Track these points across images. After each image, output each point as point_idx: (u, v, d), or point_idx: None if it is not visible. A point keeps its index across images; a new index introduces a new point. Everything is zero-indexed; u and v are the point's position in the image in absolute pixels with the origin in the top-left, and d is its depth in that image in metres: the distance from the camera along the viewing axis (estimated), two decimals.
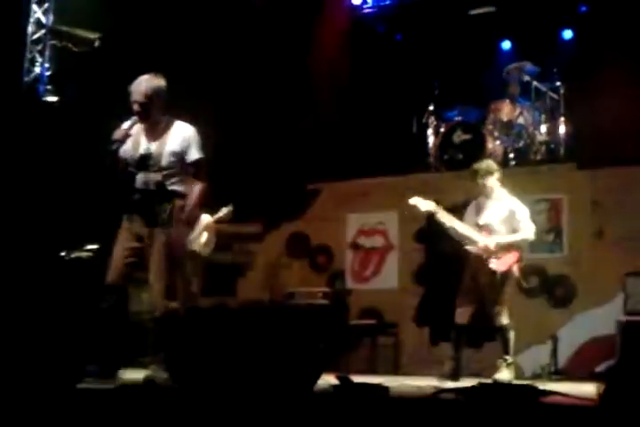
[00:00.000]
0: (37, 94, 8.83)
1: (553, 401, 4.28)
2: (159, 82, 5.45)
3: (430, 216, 7.15)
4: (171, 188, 5.40)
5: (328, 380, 4.74)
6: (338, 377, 4.79)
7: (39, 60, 9.20)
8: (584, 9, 9.93)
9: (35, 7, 9.28)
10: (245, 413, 3.60)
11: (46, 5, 9.31)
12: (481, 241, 6.92)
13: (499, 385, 5.59)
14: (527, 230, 6.97)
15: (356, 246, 9.30)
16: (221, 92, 9.97)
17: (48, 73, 9.16)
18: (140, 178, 5.41)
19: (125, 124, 5.38)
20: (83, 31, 9.17)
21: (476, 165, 7.16)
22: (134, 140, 5.44)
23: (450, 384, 5.97)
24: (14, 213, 7.23)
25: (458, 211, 7.33)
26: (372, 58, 10.59)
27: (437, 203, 7.14)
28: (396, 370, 8.31)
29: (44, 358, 4.49)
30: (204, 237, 7.86)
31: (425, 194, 7.59)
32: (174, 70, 9.61)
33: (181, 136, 5.46)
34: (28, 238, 7.04)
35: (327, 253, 9.40)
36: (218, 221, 7.82)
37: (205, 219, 7.88)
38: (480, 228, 6.99)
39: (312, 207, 9.64)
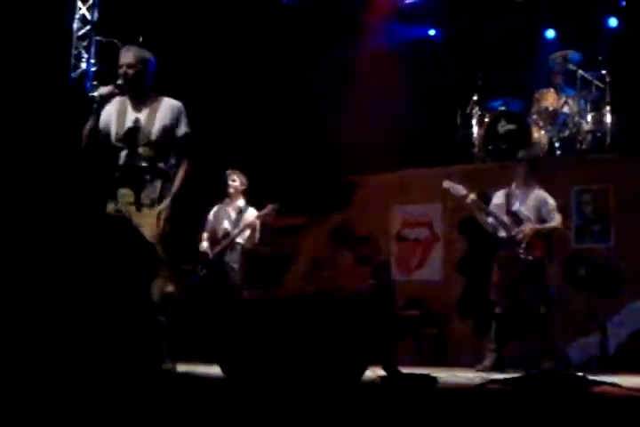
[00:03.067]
0: (84, 90, 8.93)
1: (602, 392, 4.25)
2: (146, 52, 5.19)
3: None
4: (159, 164, 5.09)
5: (375, 371, 4.76)
6: (385, 368, 4.80)
7: (85, 56, 9.31)
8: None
9: (79, 3, 9.38)
10: (293, 404, 3.63)
11: (91, 1, 9.41)
12: (514, 228, 6.92)
13: (547, 376, 5.56)
14: (556, 220, 6.97)
15: (400, 238, 9.29)
16: (263, 89, 10.01)
17: (94, 69, 9.27)
18: (126, 154, 5.09)
19: (111, 86, 5.06)
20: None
21: (523, 153, 7.20)
22: (120, 111, 5.13)
23: (497, 375, 5.96)
24: (59, 207, 7.26)
25: None
26: (415, 49, 10.56)
27: (482, 193, 7.16)
28: (441, 361, 8.30)
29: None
30: (249, 231, 7.94)
31: (469, 185, 7.59)
32: (214, 65, 9.74)
33: (171, 110, 5.15)
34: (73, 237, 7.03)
35: (372, 245, 9.40)
36: (263, 217, 7.90)
37: (251, 213, 7.95)
38: (512, 215, 7.01)
39: (356, 199, 9.65)
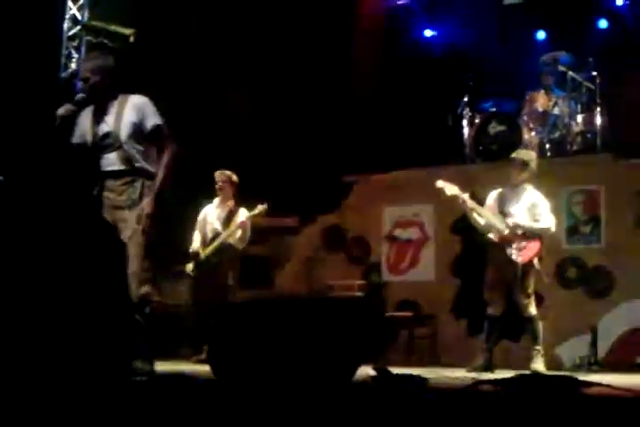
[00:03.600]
0: (74, 90, 8.91)
1: (593, 392, 4.25)
2: (106, 59, 5.20)
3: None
4: (137, 164, 5.08)
5: (366, 371, 4.76)
6: (376, 369, 4.80)
7: (75, 55, 9.29)
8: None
9: (70, 4, 9.37)
10: (284, 405, 3.62)
11: (81, 2, 9.40)
12: (503, 229, 6.94)
13: (538, 376, 5.57)
14: (548, 221, 7.00)
15: (392, 239, 9.29)
16: (259, 86, 10.01)
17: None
18: (105, 160, 5.09)
19: (69, 105, 5.10)
20: (117, 27, 9.24)
21: (515, 154, 7.21)
22: (92, 121, 5.14)
23: (488, 376, 5.97)
24: (51, 205, 7.19)
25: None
26: (406, 50, 10.58)
27: (473, 193, 7.17)
28: (433, 362, 8.30)
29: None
30: (240, 232, 7.93)
31: (461, 185, 7.59)
32: (209, 64, 9.74)
33: (134, 106, 5.12)
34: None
35: (363, 246, 9.41)
36: (253, 218, 7.90)
37: (242, 214, 7.95)
38: (503, 215, 7.02)
39: (348, 200, 9.65)
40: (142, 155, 5.11)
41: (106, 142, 5.07)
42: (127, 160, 5.07)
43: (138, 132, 5.09)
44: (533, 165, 7.12)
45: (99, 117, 5.14)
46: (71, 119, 5.10)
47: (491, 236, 7.06)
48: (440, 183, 7.15)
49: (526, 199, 7.07)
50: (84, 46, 9.31)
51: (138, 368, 4.82)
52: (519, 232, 6.94)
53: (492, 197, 7.21)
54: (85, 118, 5.19)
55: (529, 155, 7.23)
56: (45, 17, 8.83)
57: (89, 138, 5.13)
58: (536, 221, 7.02)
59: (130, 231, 5.00)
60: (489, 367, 6.85)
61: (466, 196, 7.08)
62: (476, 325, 7.83)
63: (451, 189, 7.09)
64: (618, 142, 8.76)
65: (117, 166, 5.07)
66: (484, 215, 7.08)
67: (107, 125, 5.09)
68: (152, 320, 5.07)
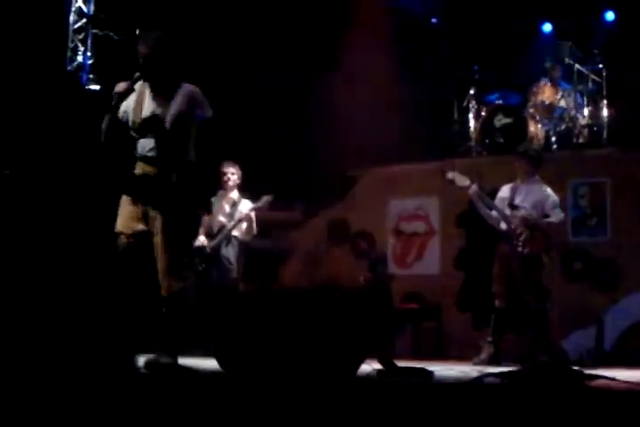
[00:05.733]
0: (80, 83, 8.92)
1: (598, 385, 4.26)
2: (166, 37, 5.01)
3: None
4: (175, 155, 4.92)
5: (372, 364, 4.76)
6: (381, 361, 4.81)
7: (81, 48, 9.29)
8: None
9: None
10: (290, 397, 3.63)
11: None
12: (512, 221, 6.94)
13: (543, 369, 5.56)
14: (557, 217, 7.01)
15: (397, 232, 9.30)
16: (260, 79, 9.99)
17: (90, 62, 9.25)
18: (143, 143, 4.94)
19: (125, 82, 4.92)
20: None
21: (518, 148, 7.22)
22: (138, 100, 4.97)
23: (494, 369, 5.97)
24: (53, 200, 7.21)
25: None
26: (412, 42, 10.54)
27: (480, 187, 7.17)
28: (439, 355, 8.31)
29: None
30: (245, 224, 7.93)
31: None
32: (213, 58, 9.73)
33: (188, 95, 4.97)
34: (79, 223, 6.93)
35: (368, 239, 9.41)
36: (257, 210, 7.89)
37: (246, 206, 7.94)
38: (512, 208, 7.03)
39: (352, 193, 9.65)
40: (183, 143, 4.98)
41: (150, 126, 4.91)
42: (167, 148, 4.91)
43: (186, 122, 4.96)
44: (536, 158, 7.15)
45: (148, 99, 4.97)
46: (125, 97, 4.92)
47: (500, 228, 7.07)
48: (450, 174, 7.14)
49: (537, 193, 7.07)
50: (89, 39, 9.31)
51: (160, 361, 4.83)
52: (527, 225, 6.94)
53: (505, 189, 7.22)
54: (131, 96, 4.99)
55: (538, 149, 7.26)
56: (51, 10, 8.82)
57: (131, 117, 4.96)
58: (546, 215, 7.03)
59: (160, 223, 4.88)
60: (495, 360, 6.85)
61: (475, 186, 7.07)
62: (482, 317, 7.84)
63: (462, 180, 7.09)
64: (624, 135, 8.75)
65: (155, 152, 4.91)
66: (493, 208, 7.08)
67: (155, 109, 4.93)
68: (183, 316, 4.99)
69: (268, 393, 3.74)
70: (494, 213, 7.09)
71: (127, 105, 4.99)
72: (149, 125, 4.91)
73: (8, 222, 6.24)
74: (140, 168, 4.96)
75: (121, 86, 4.89)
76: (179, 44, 5.21)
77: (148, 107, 4.95)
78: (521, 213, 7.00)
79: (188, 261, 7.99)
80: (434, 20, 10.94)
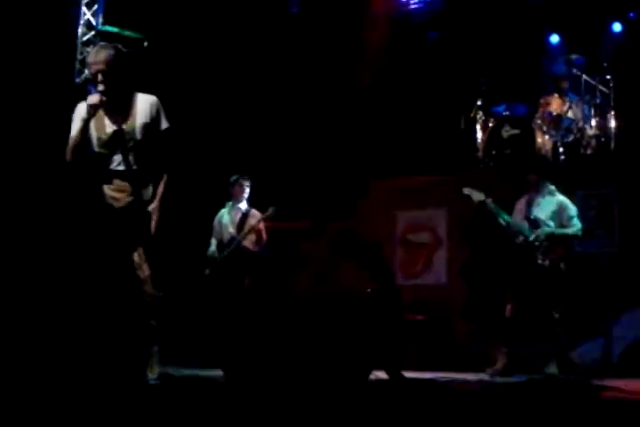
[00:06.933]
0: (89, 95, 8.94)
1: (607, 397, 4.25)
2: (118, 51, 4.94)
3: (480, 210, 7.20)
4: (147, 165, 4.92)
5: (379, 375, 4.76)
6: (389, 373, 4.81)
7: None
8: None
9: (84, 9, 9.41)
10: (298, 404, 3.63)
11: (95, 7, 9.44)
12: (531, 234, 6.95)
13: (551, 381, 5.56)
14: (576, 228, 7.02)
15: (405, 243, 9.30)
16: (272, 91, 10.04)
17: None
18: (117, 158, 4.89)
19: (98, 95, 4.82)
20: (131, 32, 9.27)
21: (527, 163, 7.26)
22: (98, 117, 4.88)
23: (501, 380, 5.97)
24: (62, 205, 7.20)
25: (505, 206, 7.33)
26: (420, 54, 10.57)
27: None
28: (445, 366, 8.29)
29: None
30: (254, 235, 7.96)
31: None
32: (221, 70, 9.77)
33: (149, 105, 4.94)
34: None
35: (377, 250, 9.40)
36: (264, 220, 7.92)
37: (254, 216, 7.97)
38: (530, 222, 7.04)
39: (361, 204, 9.66)
40: (150, 155, 4.96)
41: (119, 140, 4.88)
42: (140, 159, 4.91)
43: (151, 132, 4.94)
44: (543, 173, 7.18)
45: (107, 113, 4.92)
46: (98, 109, 4.86)
47: (517, 240, 7.08)
48: (467, 190, 7.20)
49: (553, 205, 7.10)
50: None
51: (152, 371, 4.84)
52: (545, 238, 6.95)
53: (521, 202, 7.25)
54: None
55: (545, 160, 7.28)
56: (60, 22, 8.87)
57: (94, 134, 4.91)
58: (563, 226, 7.04)
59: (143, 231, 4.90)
60: (509, 371, 6.85)
61: (490, 200, 7.11)
62: (488, 328, 7.83)
63: (477, 195, 7.14)
64: (632, 146, 8.74)
65: (127, 166, 4.91)
66: (510, 221, 7.10)
67: (118, 122, 4.90)
68: (166, 324, 5.06)
69: (275, 403, 3.75)
70: (512, 226, 7.10)
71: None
72: (116, 140, 4.89)
73: (8, 225, 6.26)
74: (114, 184, 4.94)
75: (95, 98, 4.84)
76: (135, 57, 5.18)
77: (111, 121, 4.92)
78: (538, 225, 7.01)
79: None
80: (445, 33, 10.95)
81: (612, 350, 7.63)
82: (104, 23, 9.42)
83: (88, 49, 9.35)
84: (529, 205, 7.15)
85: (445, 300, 8.81)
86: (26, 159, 7.74)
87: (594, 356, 7.65)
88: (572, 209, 7.10)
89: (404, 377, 4.76)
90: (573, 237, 7.07)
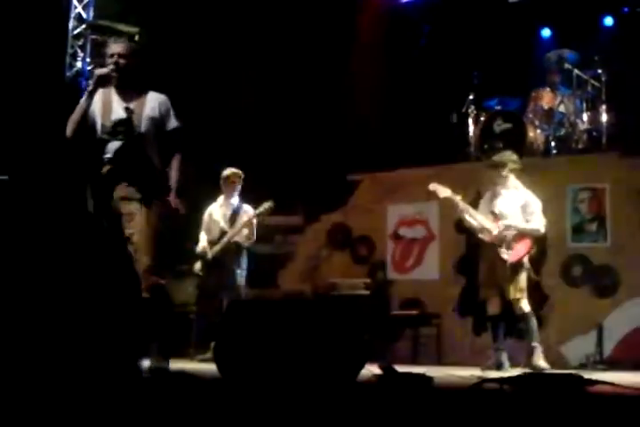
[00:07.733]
0: (80, 88, 8.93)
1: (599, 391, 4.25)
2: (136, 45, 5.09)
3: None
4: (148, 157, 4.92)
5: (371, 370, 4.76)
6: (381, 367, 4.80)
7: (80, 54, 9.31)
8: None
9: (75, 2, 9.38)
10: (289, 403, 3.63)
11: (86, 0, 9.41)
12: (493, 229, 6.97)
13: (543, 374, 5.56)
14: (538, 223, 7.04)
15: (397, 237, 9.29)
16: (263, 85, 10.02)
17: (89, 67, 9.27)
18: (114, 146, 4.89)
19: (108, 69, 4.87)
20: (123, 26, 9.25)
21: (494, 157, 7.23)
22: (105, 101, 4.92)
23: (493, 374, 5.97)
24: (54, 203, 7.17)
25: None
26: (411, 48, 10.57)
27: (476, 192, 7.19)
28: (438, 361, 8.30)
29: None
30: (246, 230, 7.93)
31: (465, 184, 7.60)
32: (214, 63, 9.75)
33: (158, 102, 5.00)
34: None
35: (368, 244, 9.40)
36: (258, 216, 7.89)
37: (247, 212, 7.94)
38: (494, 216, 7.04)
39: (353, 198, 9.65)
40: (153, 147, 4.97)
41: (122, 128, 4.89)
42: (143, 151, 4.91)
43: (156, 127, 4.97)
44: (511, 165, 7.14)
45: (117, 102, 4.94)
46: (105, 83, 4.88)
47: (482, 236, 7.10)
48: (432, 186, 7.21)
49: (518, 199, 7.09)
50: (89, 45, 9.32)
51: (152, 366, 4.83)
52: (509, 233, 6.96)
53: (486, 197, 7.26)
54: (96, 98, 4.94)
55: (503, 156, 7.23)
56: (51, 15, 8.84)
57: (99, 120, 4.92)
58: (527, 221, 7.03)
59: (138, 225, 4.87)
60: (501, 366, 6.86)
61: (458, 198, 7.13)
62: (481, 323, 7.84)
63: (443, 191, 7.15)
64: (623, 140, 8.74)
65: (130, 155, 4.89)
66: (475, 216, 7.11)
67: (124, 113, 4.90)
68: (166, 317, 5.02)
69: (268, 399, 3.74)
70: (476, 221, 7.11)
71: (92, 108, 4.94)
72: (122, 126, 4.89)
73: (7, 227, 6.24)
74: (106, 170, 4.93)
75: (105, 70, 4.87)
76: (154, 50, 5.22)
77: (119, 110, 4.93)
78: (504, 220, 7.01)
79: (170, 261, 8.00)
80: (437, 27, 10.94)
81: (604, 344, 7.63)
82: (95, 17, 9.39)
83: (79, 42, 9.33)
84: (492, 199, 7.16)
85: (437, 295, 8.81)
86: (17, 152, 7.71)
87: (586, 350, 7.66)
88: (536, 204, 7.08)
89: (396, 371, 4.75)
90: (534, 231, 7.05)
